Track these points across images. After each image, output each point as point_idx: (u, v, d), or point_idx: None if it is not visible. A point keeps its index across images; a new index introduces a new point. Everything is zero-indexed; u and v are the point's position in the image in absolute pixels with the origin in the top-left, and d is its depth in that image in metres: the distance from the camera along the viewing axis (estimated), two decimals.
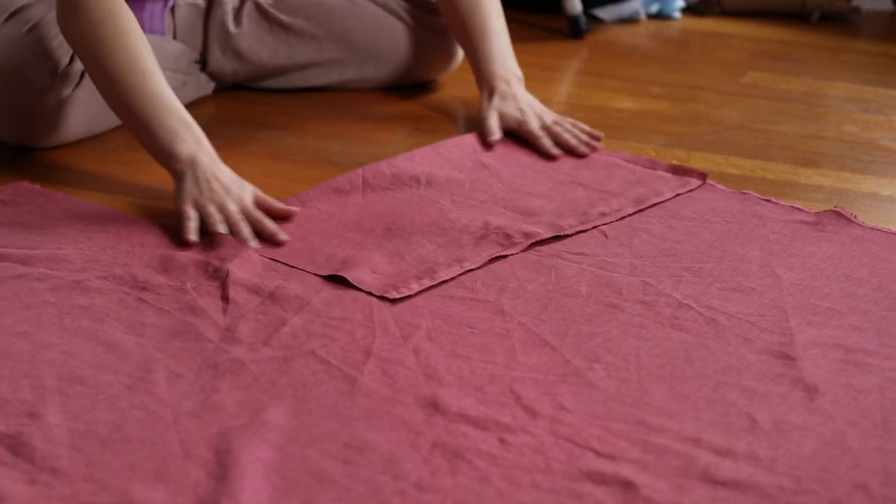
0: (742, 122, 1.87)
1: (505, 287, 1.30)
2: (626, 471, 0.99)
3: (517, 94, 1.74)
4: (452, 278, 1.31)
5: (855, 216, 1.48)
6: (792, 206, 1.51)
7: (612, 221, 1.46)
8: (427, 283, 1.29)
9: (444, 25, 1.91)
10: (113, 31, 1.43)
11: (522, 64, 1.80)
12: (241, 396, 1.08)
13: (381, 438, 1.03)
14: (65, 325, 1.19)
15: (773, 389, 1.12)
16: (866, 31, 2.48)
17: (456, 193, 1.53)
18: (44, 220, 1.41)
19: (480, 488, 0.97)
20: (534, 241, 1.40)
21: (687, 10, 2.54)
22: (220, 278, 1.29)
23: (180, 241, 1.36)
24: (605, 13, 2.41)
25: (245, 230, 1.38)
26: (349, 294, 1.27)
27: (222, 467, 0.98)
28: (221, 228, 1.37)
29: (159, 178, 1.52)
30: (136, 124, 1.44)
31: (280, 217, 1.43)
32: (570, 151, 1.67)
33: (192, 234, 1.36)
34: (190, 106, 1.83)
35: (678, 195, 1.54)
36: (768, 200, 1.53)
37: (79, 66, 1.59)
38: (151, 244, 1.36)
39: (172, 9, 1.82)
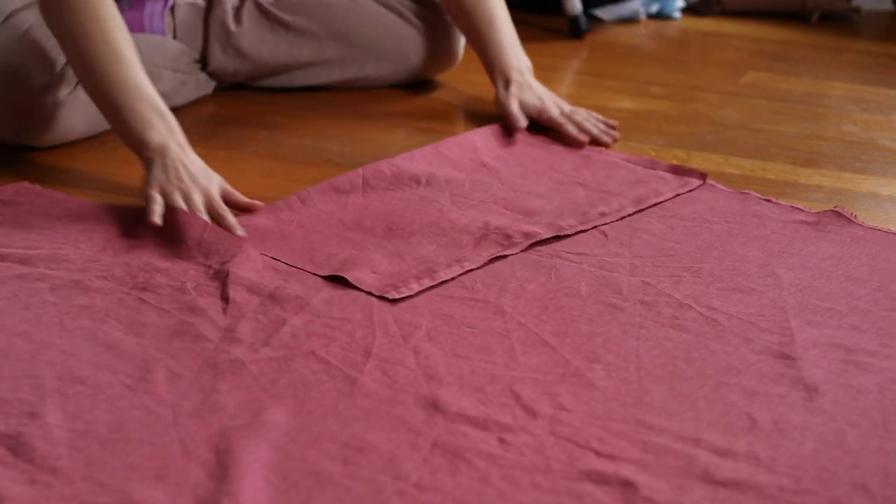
0: (742, 122, 1.87)
1: (505, 287, 1.30)
2: (626, 471, 0.99)
3: (532, 84, 1.78)
4: (452, 278, 1.31)
5: (855, 216, 1.48)
6: (792, 206, 1.51)
7: (612, 221, 1.46)
8: (427, 283, 1.29)
9: (445, 23, 1.91)
10: (92, 18, 1.44)
11: None
12: (241, 396, 1.08)
13: (381, 438, 1.03)
14: (65, 325, 1.19)
15: (773, 389, 1.12)
16: (866, 31, 2.48)
17: (456, 193, 1.53)
18: (44, 220, 1.41)
19: (480, 488, 0.97)
20: (534, 241, 1.40)
21: (687, 10, 2.54)
22: (220, 278, 1.29)
23: (147, 224, 1.37)
24: (605, 13, 2.41)
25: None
26: (349, 294, 1.27)
27: (222, 467, 0.98)
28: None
29: None
30: (110, 111, 1.46)
31: (244, 210, 1.45)
32: (595, 140, 1.70)
33: (157, 218, 1.37)
34: (190, 105, 1.83)
35: (678, 195, 1.54)
36: (768, 200, 1.53)
37: None
38: (151, 244, 1.36)
39: (172, 9, 1.82)
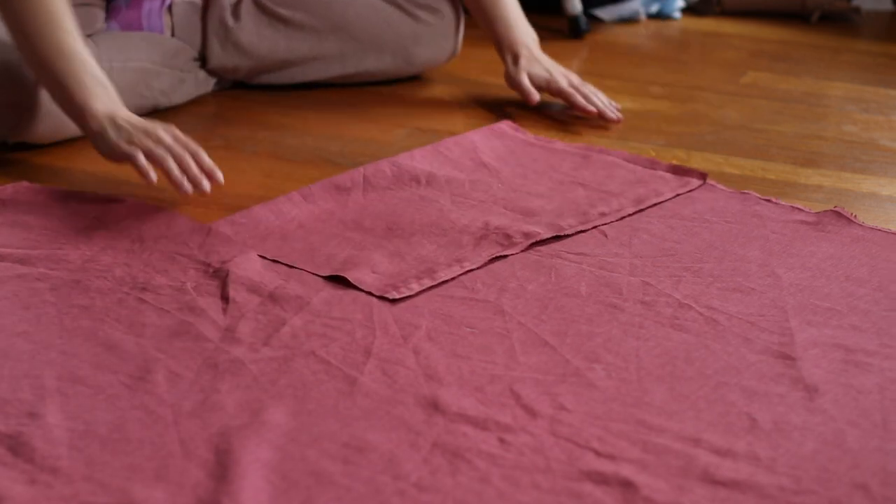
0: (742, 122, 1.87)
1: (505, 287, 1.30)
2: (626, 471, 0.99)
3: (540, 57, 1.84)
4: (452, 278, 1.31)
5: (855, 216, 1.48)
6: (792, 206, 1.51)
7: (612, 221, 1.46)
8: (427, 283, 1.29)
9: (443, 13, 1.92)
10: None
11: None
12: (241, 396, 1.08)
13: (381, 438, 1.03)
14: (64, 325, 1.19)
15: (773, 389, 1.12)
16: (866, 31, 2.48)
17: (456, 193, 1.53)
18: (44, 220, 1.41)
19: (480, 488, 0.97)
20: (534, 241, 1.40)
21: (687, 10, 2.54)
22: (220, 278, 1.29)
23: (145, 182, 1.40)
24: (605, 13, 2.41)
25: (188, 159, 1.41)
26: (349, 294, 1.27)
27: (222, 467, 0.98)
28: (171, 163, 1.40)
29: (160, 179, 1.52)
30: (51, 81, 1.46)
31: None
32: (601, 114, 1.74)
33: (151, 172, 1.39)
34: (190, 105, 1.83)
35: (678, 195, 1.54)
36: (768, 200, 1.53)
37: None
38: (151, 243, 1.36)
39: (170, 7, 1.82)
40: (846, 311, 1.26)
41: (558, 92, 1.79)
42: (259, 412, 1.06)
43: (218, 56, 1.85)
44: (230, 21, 1.85)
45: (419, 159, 1.60)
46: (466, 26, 1.99)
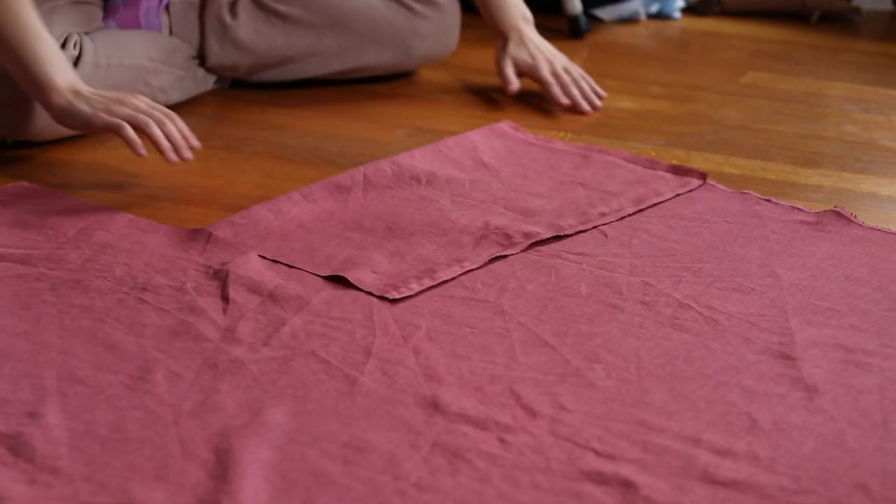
0: (742, 122, 1.87)
1: (505, 287, 1.30)
2: (626, 471, 0.99)
3: (529, 39, 1.85)
4: (452, 278, 1.31)
5: (855, 216, 1.48)
6: (792, 206, 1.51)
7: (612, 221, 1.46)
8: (427, 283, 1.29)
9: (441, 6, 1.92)
10: None
11: None
12: (241, 396, 1.08)
13: (381, 438, 1.03)
14: (64, 325, 1.19)
15: (773, 389, 1.12)
16: (866, 31, 2.48)
17: (456, 193, 1.53)
18: (44, 220, 1.41)
19: (480, 488, 0.97)
20: (534, 241, 1.39)
21: (687, 10, 2.54)
22: (220, 278, 1.29)
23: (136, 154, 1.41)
24: (605, 13, 2.41)
25: (169, 124, 1.42)
26: (349, 294, 1.27)
27: (222, 467, 0.98)
28: (154, 129, 1.41)
29: (160, 178, 1.52)
30: (12, 56, 1.45)
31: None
32: (574, 105, 1.73)
33: (142, 148, 1.40)
34: (190, 104, 1.83)
35: (678, 195, 1.54)
36: (768, 200, 1.53)
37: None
38: (151, 244, 1.36)
39: (167, 6, 1.82)
40: (846, 311, 1.26)
41: (538, 79, 1.80)
42: (259, 412, 1.06)
43: (216, 54, 1.85)
44: (228, 18, 1.85)
45: (419, 159, 1.60)
46: (467, 26, 1.99)
